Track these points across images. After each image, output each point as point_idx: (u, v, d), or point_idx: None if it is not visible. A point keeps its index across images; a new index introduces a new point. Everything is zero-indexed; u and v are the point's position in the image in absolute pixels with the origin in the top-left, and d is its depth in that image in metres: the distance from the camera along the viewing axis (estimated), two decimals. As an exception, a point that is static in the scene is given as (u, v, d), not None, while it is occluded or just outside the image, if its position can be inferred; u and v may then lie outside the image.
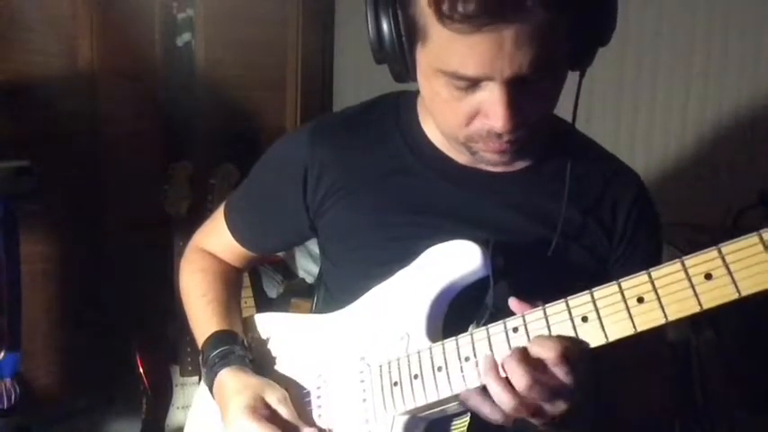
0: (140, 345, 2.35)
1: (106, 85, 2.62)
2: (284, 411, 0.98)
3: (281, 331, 1.14)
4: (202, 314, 1.15)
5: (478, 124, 0.90)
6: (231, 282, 1.23)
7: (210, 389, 1.07)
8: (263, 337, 1.15)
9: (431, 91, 0.92)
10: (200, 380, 2.29)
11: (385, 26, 0.89)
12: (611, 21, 0.89)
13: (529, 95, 0.87)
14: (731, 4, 2.63)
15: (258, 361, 1.08)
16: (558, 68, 0.89)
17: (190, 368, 2.33)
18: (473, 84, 0.86)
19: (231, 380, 1.02)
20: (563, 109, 1.07)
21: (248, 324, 1.17)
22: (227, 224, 1.21)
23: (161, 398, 2.32)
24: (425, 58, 0.89)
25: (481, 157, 0.96)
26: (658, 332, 0.77)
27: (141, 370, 2.32)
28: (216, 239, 1.24)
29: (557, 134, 1.05)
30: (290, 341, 1.11)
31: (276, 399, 0.99)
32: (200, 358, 1.11)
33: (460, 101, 0.88)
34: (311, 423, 0.99)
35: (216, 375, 1.04)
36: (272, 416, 0.97)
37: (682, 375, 2.05)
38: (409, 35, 0.88)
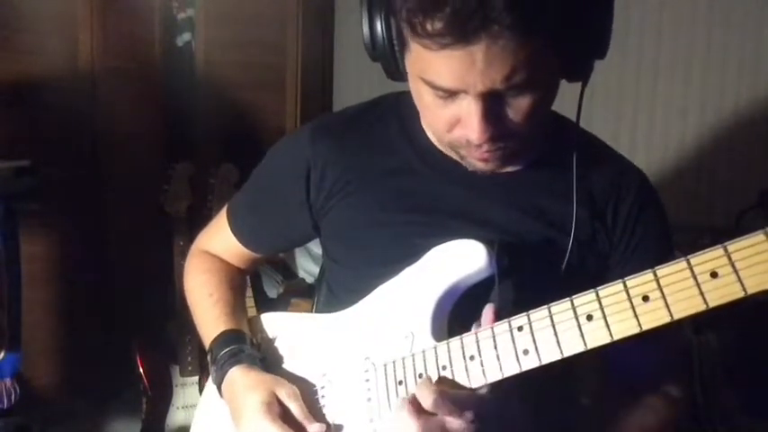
0: (140, 345, 2.35)
1: (106, 85, 2.62)
2: (294, 407, 0.98)
3: (287, 331, 1.14)
4: (209, 314, 1.15)
5: (458, 133, 0.91)
6: (236, 283, 1.23)
7: (219, 387, 1.07)
8: (270, 336, 1.15)
9: (417, 94, 0.93)
10: (200, 380, 2.31)
11: (376, 30, 0.91)
12: (603, 35, 0.88)
13: (509, 108, 0.87)
14: (731, 3, 2.63)
15: (266, 360, 1.09)
16: (541, 83, 0.87)
17: (190, 368, 2.34)
18: (451, 93, 0.86)
19: (242, 377, 1.03)
20: (566, 114, 1.08)
21: (254, 324, 1.17)
22: (229, 226, 1.22)
23: (161, 398, 2.32)
24: (409, 64, 0.90)
25: (467, 162, 0.97)
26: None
27: (141, 370, 2.32)
28: (219, 241, 1.24)
29: (561, 133, 1.05)
30: (296, 341, 1.11)
31: (286, 394, 0.99)
32: (209, 357, 1.11)
33: (442, 108, 0.89)
34: (319, 421, 0.99)
35: (226, 374, 1.05)
36: (284, 413, 0.97)
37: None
38: (398, 40, 0.90)
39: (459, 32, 0.78)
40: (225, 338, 1.10)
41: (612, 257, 1.04)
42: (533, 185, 1.04)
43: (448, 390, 0.84)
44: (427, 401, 0.82)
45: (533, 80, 0.84)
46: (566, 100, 0.98)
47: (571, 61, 0.90)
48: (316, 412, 1.01)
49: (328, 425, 0.98)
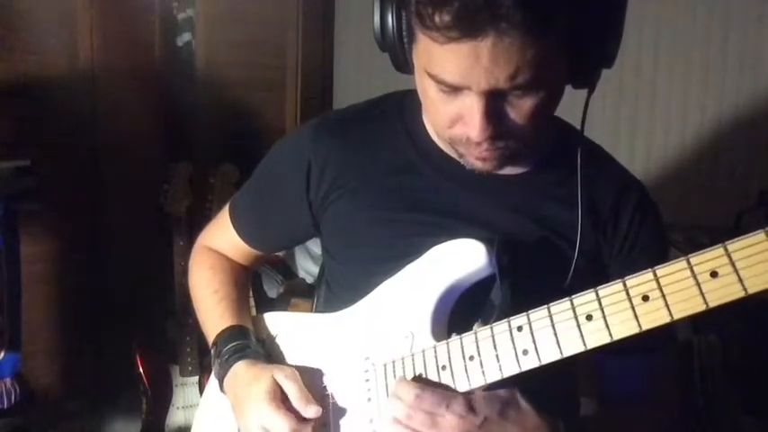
0: (140, 345, 2.35)
1: (106, 84, 2.62)
2: (292, 388, 0.98)
3: (289, 331, 1.14)
4: (214, 310, 1.16)
5: (459, 130, 0.90)
6: (240, 280, 1.24)
7: (221, 381, 1.07)
8: (271, 336, 1.15)
9: (422, 89, 0.93)
10: (200, 380, 2.31)
11: (387, 20, 0.91)
12: (614, 43, 0.88)
13: (511, 109, 0.87)
14: (731, 3, 2.63)
15: (270, 359, 1.09)
16: (545, 85, 0.86)
17: (190, 368, 2.34)
18: (455, 89, 0.86)
19: (246, 371, 1.03)
20: (567, 118, 1.08)
21: (256, 323, 1.17)
22: (232, 223, 1.22)
23: (161, 398, 2.32)
24: (416, 57, 0.90)
25: (466, 160, 0.96)
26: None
27: (141, 370, 2.32)
28: (222, 238, 1.25)
29: (563, 140, 1.05)
30: (297, 341, 1.12)
31: (285, 376, 0.99)
32: (212, 351, 1.11)
33: (445, 103, 0.89)
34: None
35: (230, 368, 1.05)
36: (285, 399, 0.97)
37: (683, 378, 2.05)
38: (407, 31, 0.90)
39: (467, 26, 0.78)
40: (230, 334, 1.10)
41: (611, 269, 1.04)
42: (533, 189, 1.03)
43: (426, 386, 0.86)
44: (409, 396, 0.84)
45: (538, 82, 0.84)
46: (566, 102, 0.98)
47: (579, 67, 0.89)
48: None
49: (329, 424, 0.98)
